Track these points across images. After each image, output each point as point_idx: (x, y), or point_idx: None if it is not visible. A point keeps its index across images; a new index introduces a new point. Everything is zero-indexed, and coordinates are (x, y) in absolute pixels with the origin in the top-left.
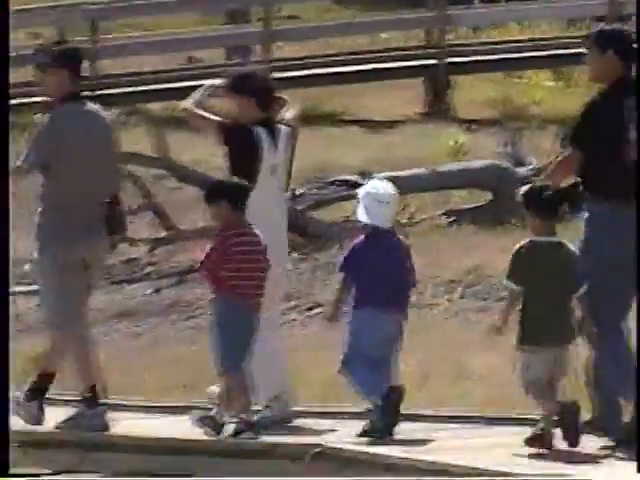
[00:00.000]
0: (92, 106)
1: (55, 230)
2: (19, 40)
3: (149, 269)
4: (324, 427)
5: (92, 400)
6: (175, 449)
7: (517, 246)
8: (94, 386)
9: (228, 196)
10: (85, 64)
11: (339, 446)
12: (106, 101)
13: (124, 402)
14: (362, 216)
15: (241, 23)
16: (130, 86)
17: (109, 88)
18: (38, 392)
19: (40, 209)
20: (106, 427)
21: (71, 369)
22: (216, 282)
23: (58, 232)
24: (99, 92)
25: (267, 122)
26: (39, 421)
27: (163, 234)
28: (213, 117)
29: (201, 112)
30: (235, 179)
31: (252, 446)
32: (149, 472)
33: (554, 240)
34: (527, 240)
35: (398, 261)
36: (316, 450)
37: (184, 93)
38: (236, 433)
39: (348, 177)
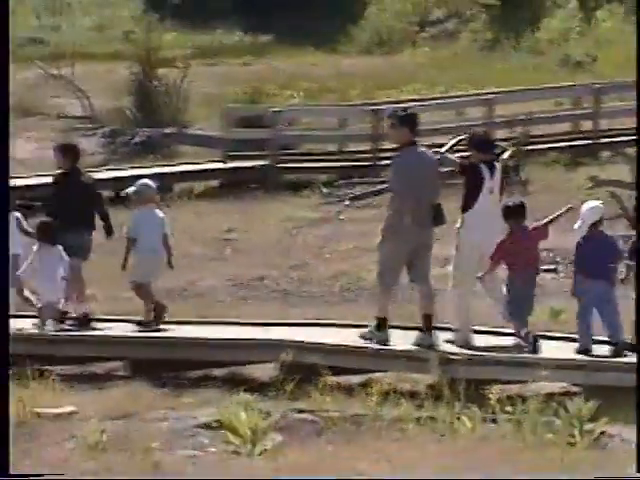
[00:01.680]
0: (423, 149)
1: (399, 226)
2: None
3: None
4: None
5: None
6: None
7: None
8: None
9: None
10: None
11: None
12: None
13: None
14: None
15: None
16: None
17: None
18: (381, 324)
19: (390, 212)
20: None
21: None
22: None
23: (401, 227)
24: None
25: (487, 161)
26: (387, 342)
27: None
28: (458, 159)
29: (450, 156)
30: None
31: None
32: None
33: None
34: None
35: (601, 250)
36: None
37: None
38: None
39: None
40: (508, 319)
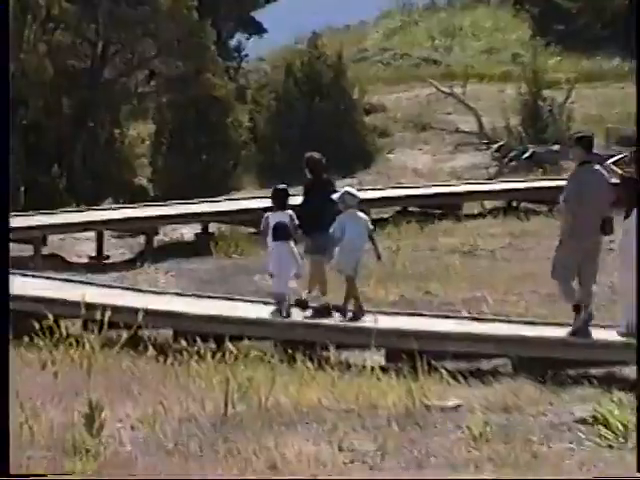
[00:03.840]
0: (596, 167)
1: (573, 231)
2: None
3: None
4: None
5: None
6: None
7: None
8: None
9: None
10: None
11: None
12: None
13: None
14: None
15: None
16: None
17: None
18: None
19: (563, 220)
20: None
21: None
22: None
23: (574, 232)
24: None
25: None
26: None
27: None
28: (620, 172)
29: (616, 169)
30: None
31: None
32: None
33: None
34: None
35: None
36: None
37: None
38: None
39: None
40: None
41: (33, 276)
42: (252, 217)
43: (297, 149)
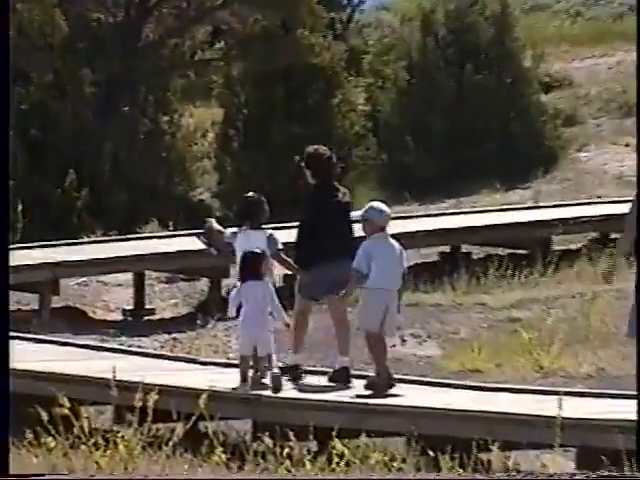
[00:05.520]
0: None
1: None
2: None
3: None
4: None
5: None
6: None
7: None
8: None
9: None
10: None
11: None
12: None
13: None
14: None
15: None
16: None
17: None
18: None
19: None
20: None
21: None
22: None
23: None
24: None
25: None
26: None
27: None
28: None
29: None
30: None
31: None
32: None
33: None
34: None
35: None
36: None
37: None
38: None
39: None
40: None
41: (38, 340)
42: None
43: (441, 144)
